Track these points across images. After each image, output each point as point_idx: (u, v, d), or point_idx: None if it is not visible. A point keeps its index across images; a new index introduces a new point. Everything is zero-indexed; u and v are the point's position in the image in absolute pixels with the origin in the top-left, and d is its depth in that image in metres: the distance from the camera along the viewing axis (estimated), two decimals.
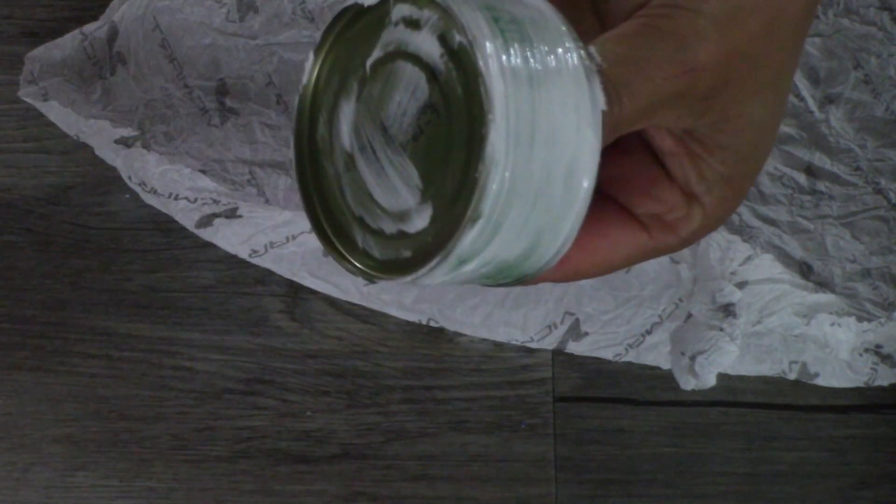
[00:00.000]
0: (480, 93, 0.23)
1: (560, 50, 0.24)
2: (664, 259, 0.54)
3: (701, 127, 0.27)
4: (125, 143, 0.55)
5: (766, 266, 0.51)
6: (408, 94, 0.25)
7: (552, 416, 0.56)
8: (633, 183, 0.28)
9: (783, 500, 0.55)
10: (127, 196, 0.58)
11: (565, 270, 0.28)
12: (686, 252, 0.53)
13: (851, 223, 0.56)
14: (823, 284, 0.55)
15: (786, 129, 0.57)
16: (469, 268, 0.24)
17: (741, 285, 0.50)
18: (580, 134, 0.24)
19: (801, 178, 0.57)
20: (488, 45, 0.23)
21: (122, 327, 0.57)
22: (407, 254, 0.25)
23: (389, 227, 0.26)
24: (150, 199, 0.56)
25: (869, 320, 0.53)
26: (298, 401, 0.56)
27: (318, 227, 0.27)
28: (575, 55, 0.25)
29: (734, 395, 0.55)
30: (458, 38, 0.24)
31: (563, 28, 0.25)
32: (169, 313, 0.57)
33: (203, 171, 0.55)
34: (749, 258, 0.51)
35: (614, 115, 0.25)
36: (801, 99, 0.57)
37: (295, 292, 0.57)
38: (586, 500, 0.55)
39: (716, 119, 0.27)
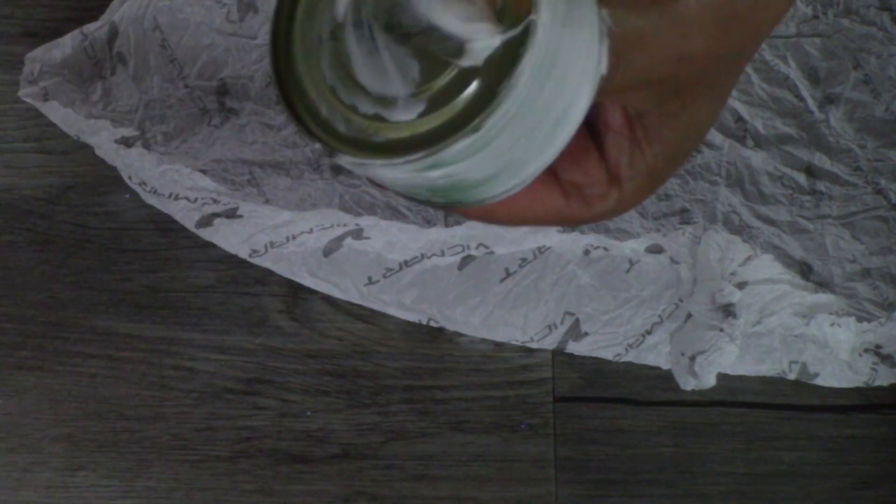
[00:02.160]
0: (526, 14, 0.23)
1: (585, 5, 0.24)
2: (664, 259, 0.54)
3: (654, 115, 0.28)
4: (125, 143, 0.55)
5: (766, 266, 0.51)
6: None
7: (552, 416, 0.56)
8: (567, 149, 0.28)
9: (783, 500, 0.55)
10: (127, 196, 0.58)
11: (484, 209, 0.28)
12: (686, 252, 0.53)
13: (851, 223, 0.56)
14: (823, 284, 0.55)
15: (786, 129, 0.57)
16: (434, 174, 0.24)
17: (741, 286, 0.50)
18: (580, 88, 0.24)
19: (801, 178, 0.57)
20: None
21: (122, 327, 0.57)
22: (378, 139, 0.24)
23: (365, 108, 0.25)
24: (150, 199, 0.56)
25: (869, 320, 0.53)
26: (298, 401, 0.56)
27: (280, 83, 0.26)
28: (595, 13, 0.25)
29: (734, 395, 0.55)
30: None
31: None
32: (169, 313, 0.57)
33: (203, 171, 0.55)
34: (749, 258, 0.51)
35: (606, 82, 0.25)
36: (801, 99, 0.57)
37: (295, 292, 0.57)
38: (586, 500, 0.55)
39: (671, 112, 0.28)
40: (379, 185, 0.28)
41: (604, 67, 0.25)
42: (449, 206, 0.27)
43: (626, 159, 0.28)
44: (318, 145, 0.25)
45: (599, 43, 0.25)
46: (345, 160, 0.25)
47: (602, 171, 0.29)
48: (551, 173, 0.29)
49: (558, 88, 0.24)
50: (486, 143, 0.24)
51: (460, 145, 0.23)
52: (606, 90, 0.26)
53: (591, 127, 0.29)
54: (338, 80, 0.25)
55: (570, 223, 0.30)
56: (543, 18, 0.23)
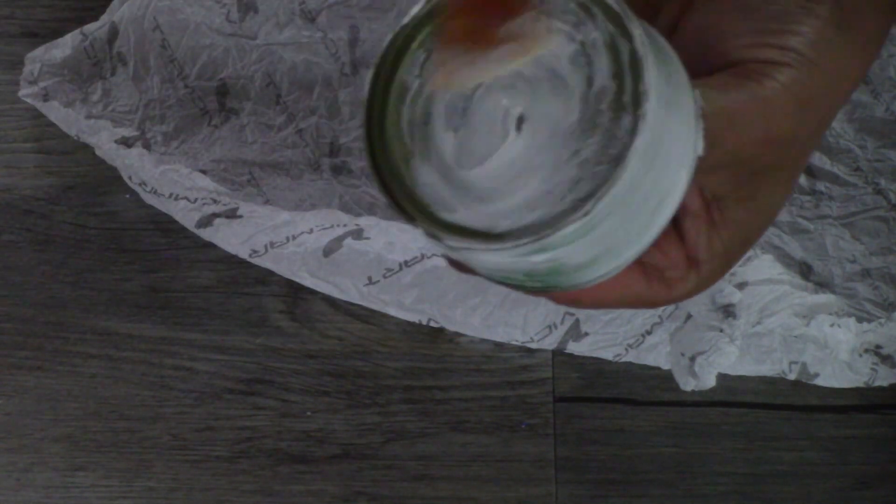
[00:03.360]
0: (637, 98, 0.23)
1: (682, 86, 0.25)
2: None
3: (731, 198, 0.28)
4: (125, 143, 0.55)
5: (766, 267, 0.51)
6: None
7: (552, 416, 0.56)
8: None
9: (783, 500, 0.55)
10: (127, 196, 0.58)
11: (573, 294, 0.28)
12: None
13: (851, 223, 0.56)
14: (823, 285, 0.55)
15: None
16: (538, 258, 0.24)
17: (741, 286, 0.50)
18: (680, 170, 0.25)
19: (801, 179, 0.57)
20: (650, 56, 0.23)
21: (122, 327, 0.57)
22: (477, 225, 0.24)
23: (462, 194, 0.25)
24: (150, 199, 0.56)
25: (869, 321, 0.53)
26: (298, 401, 0.56)
27: (376, 169, 0.25)
28: (691, 95, 0.25)
29: (734, 395, 0.55)
30: (626, 49, 0.24)
31: (682, 67, 0.25)
32: (169, 313, 0.57)
33: (203, 171, 0.55)
34: (749, 259, 0.51)
35: (700, 161, 0.26)
36: None
37: (295, 292, 0.57)
38: (586, 500, 0.55)
39: (746, 194, 0.28)
40: (463, 268, 0.28)
41: (700, 149, 0.25)
42: (542, 291, 0.27)
43: (705, 242, 0.29)
44: (420, 230, 0.25)
45: (696, 123, 0.25)
46: (450, 243, 0.24)
47: (681, 255, 0.29)
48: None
49: (661, 171, 0.24)
50: (593, 227, 0.24)
51: (570, 229, 0.23)
52: (700, 170, 0.26)
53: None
54: (437, 170, 0.25)
55: (650, 306, 0.30)
56: (653, 102, 0.23)
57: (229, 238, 0.55)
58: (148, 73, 0.58)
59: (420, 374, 0.56)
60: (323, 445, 0.56)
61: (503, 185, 0.24)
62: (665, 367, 0.55)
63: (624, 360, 0.55)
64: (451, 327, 0.56)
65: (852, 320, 0.52)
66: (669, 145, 0.24)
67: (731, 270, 0.50)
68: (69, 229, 0.58)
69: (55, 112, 0.56)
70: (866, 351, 0.53)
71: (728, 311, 0.50)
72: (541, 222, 0.23)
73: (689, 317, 0.52)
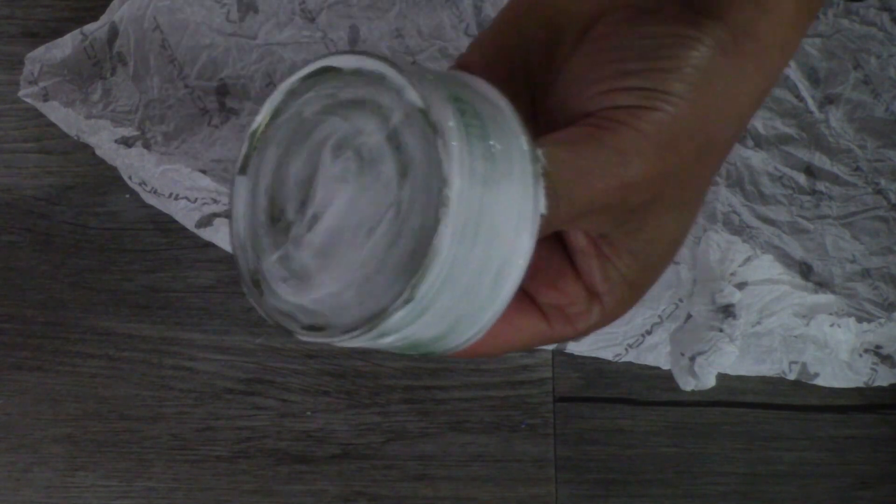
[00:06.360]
0: (440, 187, 0.23)
1: (514, 152, 0.25)
2: None
3: (616, 232, 0.28)
4: (125, 143, 0.55)
5: (766, 267, 0.51)
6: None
7: (552, 416, 0.56)
8: (542, 274, 0.28)
9: (783, 500, 0.55)
10: (127, 196, 0.58)
11: (467, 350, 0.28)
12: (686, 253, 0.53)
13: (851, 223, 0.56)
14: (823, 285, 0.55)
15: (786, 129, 0.57)
16: (388, 340, 0.25)
17: (741, 286, 0.50)
18: (518, 237, 0.25)
19: (801, 179, 0.57)
20: (454, 143, 0.23)
21: (122, 327, 0.57)
22: (321, 319, 0.25)
23: (302, 287, 0.26)
24: (150, 199, 0.56)
25: (869, 321, 0.53)
26: (298, 401, 0.56)
27: (240, 266, 0.27)
28: (528, 157, 0.25)
29: (734, 395, 0.55)
30: (426, 130, 0.24)
31: (519, 128, 0.25)
32: (169, 313, 0.57)
33: (203, 171, 0.55)
34: (749, 259, 0.51)
35: (549, 218, 0.25)
36: (801, 99, 0.57)
37: None
38: (586, 500, 0.55)
39: (633, 228, 0.28)
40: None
41: (542, 207, 0.25)
42: (426, 356, 0.28)
43: (600, 274, 0.28)
44: (279, 328, 0.26)
45: (535, 184, 0.25)
46: (305, 338, 0.25)
47: (580, 289, 0.29)
48: (528, 300, 0.29)
49: (491, 242, 0.24)
50: (426, 308, 0.24)
51: (397, 316, 0.24)
52: (554, 224, 0.26)
53: (565, 250, 0.29)
54: (279, 261, 0.27)
55: (557, 342, 0.30)
56: (456, 186, 0.23)
57: (229, 238, 0.55)
58: (148, 73, 0.58)
59: (420, 374, 0.56)
60: (323, 445, 0.56)
61: (332, 276, 0.25)
62: (665, 367, 0.55)
63: (624, 360, 0.55)
64: None
65: (852, 320, 0.52)
66: (496, 216, 0.24)
67: (731, 270, 0.50)
68: (69, 229, 0.58)
69: (55, 112, 0.56)
70: (866, 351, 0.53)
71: (728, 311, 0.50)
72: (370, 314, 0.24)
73: (689, 317, 0.52)
